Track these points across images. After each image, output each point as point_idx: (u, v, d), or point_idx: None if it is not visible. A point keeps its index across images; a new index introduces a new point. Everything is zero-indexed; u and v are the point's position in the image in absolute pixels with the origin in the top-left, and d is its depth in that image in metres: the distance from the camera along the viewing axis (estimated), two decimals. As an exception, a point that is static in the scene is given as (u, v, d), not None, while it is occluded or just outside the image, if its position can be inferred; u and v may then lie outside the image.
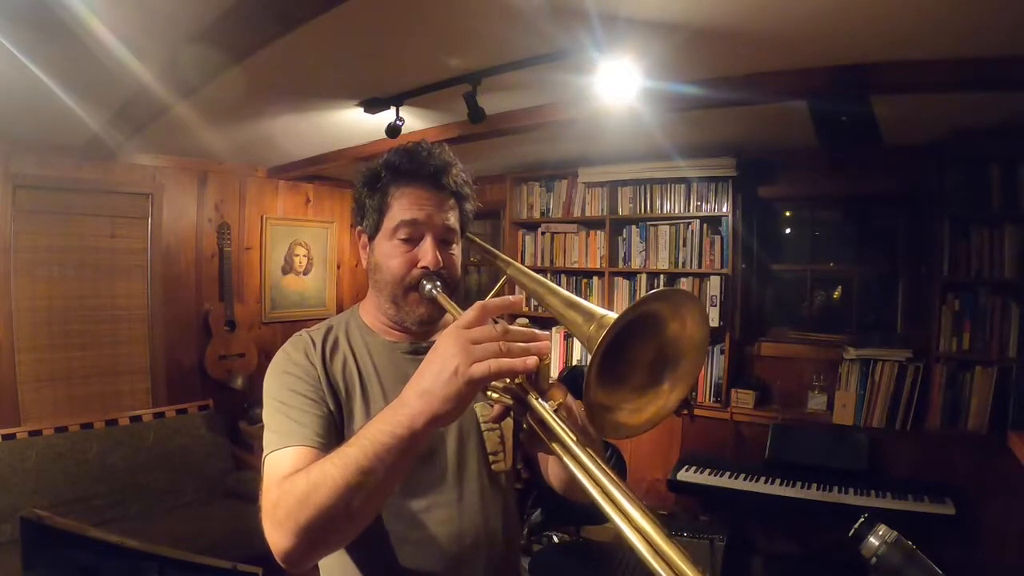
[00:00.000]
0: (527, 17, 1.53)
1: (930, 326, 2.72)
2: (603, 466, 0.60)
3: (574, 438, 0.64)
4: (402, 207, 0.93)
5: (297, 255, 4.16)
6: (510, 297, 0.72)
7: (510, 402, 0.72)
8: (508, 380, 0.70)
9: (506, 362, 0.64)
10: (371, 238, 0.97)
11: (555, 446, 0.66)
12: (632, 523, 0.54)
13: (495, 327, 0.66)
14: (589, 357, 0.61)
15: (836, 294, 3.38)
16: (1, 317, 2.92)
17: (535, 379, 0.69)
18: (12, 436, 2.69)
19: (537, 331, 0.68)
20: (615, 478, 0.59)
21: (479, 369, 0.63)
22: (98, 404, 3.17)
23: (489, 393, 0.73)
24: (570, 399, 0.75)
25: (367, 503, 0.69)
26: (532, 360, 0.64)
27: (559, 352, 3.71)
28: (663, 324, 0.66)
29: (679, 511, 3.00)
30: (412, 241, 0.92)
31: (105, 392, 3.25)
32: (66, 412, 3.04)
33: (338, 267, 4.42)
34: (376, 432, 0.68)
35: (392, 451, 0.66)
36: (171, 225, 3.52)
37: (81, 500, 2.68)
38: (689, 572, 0.48)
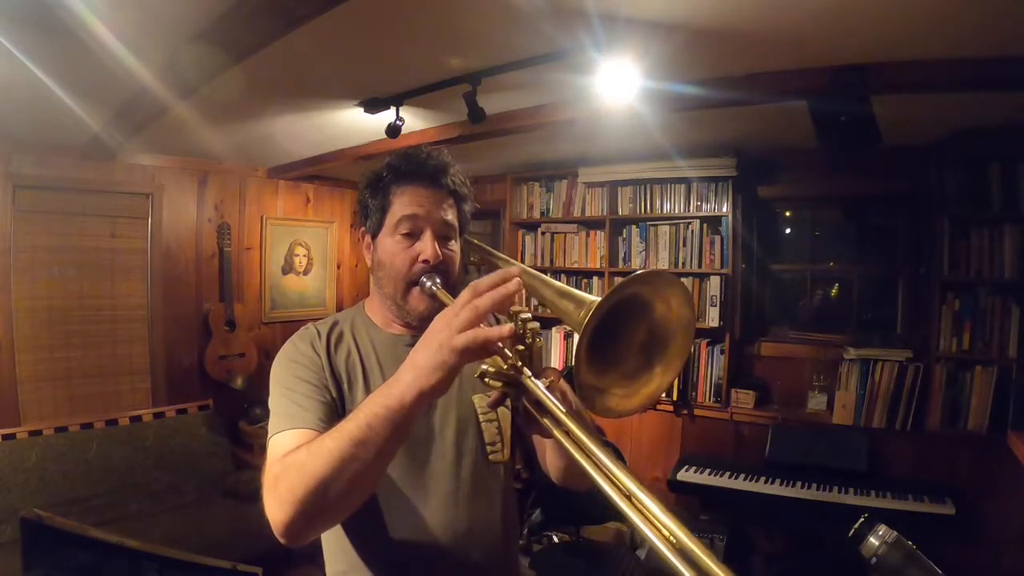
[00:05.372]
0: (527, 17, 1.53)
1: (930, 326, 2.72)
2: (596, 440, 0.62)
3: (564, 410, 0.67)
4: (403, 204, 0.97)
5: (297, 255, 4.16)
6: (498, 273, 0.74)
7: (503, 387, 0.75)
8: (503, 365, 0.74)
9: (484, 329, 0.69)
10: (374, 236, 1.01)
11: (549, 424, 0.68)
12: (627, 495, 0.55)
13: (473, 299, 0.70)
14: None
15: (835, 294, 3.39)
16: (1, 317, 2.92)
17: (529, 360, 0.73)
18: (12, 436, 2.69)
19: (507, 283, 0.71)
20: (608, 451, 0.60)
21: (460, 339, 0.68)
22: (98, 404, 3.17)
23: (487, 380, 0.75)
24: (564, 383, 0.79)
25: (361, 474, 0.72)
26: (507, 327, 0.69)
27: (560, 352, 3.71)
28: (649, 306, 0.69)
29: (679, 511, 2.99)
30: (412, 236, 0.97)
31: (105, 392, 3.25)
32: (66, 412, 3.03)
33: (338, 267, 4.42)
34: (370, 405, 0.72)
35: (384, 422, 0.70)
36: (171, 225, 3.52)
37: (81, 500, 2.68)
38: (687, 540, 0.49)
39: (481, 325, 0.70)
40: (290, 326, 3.87)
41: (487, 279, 0.73)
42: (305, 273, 4.22)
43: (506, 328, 0.69)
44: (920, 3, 1.45)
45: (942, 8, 1.47)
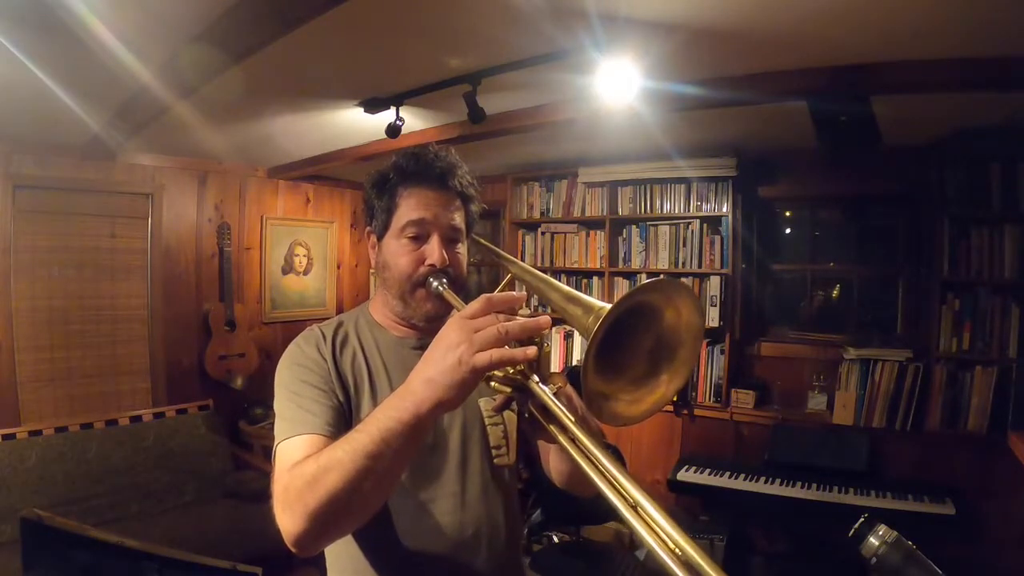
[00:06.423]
0: (527, 17, 1.53)
1: (930, 326, 2.72)
2: (603, 448, 0.61)
3: (572, 419, 0.66)
4: (409, 207, 0.96)
5: (297, 255, 4.15)
6: (514, 292, 0.73)
7: (510, 391, 0.74)
8: (510, 369, 0.73)
9: (507, 351, 0.66)
10: (380, 237, 1.00)
11: (555, 431, 0.68)
12: (633, 504, 0.55)
13: (497, 316, 0.69)
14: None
15: (836, 294, 3.39)
16: (1, 317, 2.92)
17: (536, 366, 0.71)
18: (12, 436, 2.68)
19: (539, 318, 0.70)
20: (614, 459, 0.59)
21: (482, 358, 0.66)
22: (98, 404, 3.17)
23: (493, 384, 0.74)
24: (570, 388, 0.78)
25: (375, 487, 0.71)
26: (532, 350, 0.67)
27: (559, 352, 3.71)
28: (659, 313, 0.68)
29: (679, 511, 3.00)
30: (419, 240, 0.96)
31: (105, 392, 3.25)
32: (66, 412, 3.03)
33: (338, 267, 4.42)
34: (383, 418, 0.70)
35: (398, 436, 0.69)
36: (171, 225, 3.52)
37: (81, 500, 2.67)
38: (693, 553, 0.49)
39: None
40: (290, 326, 3.86)
41: (500, 295, 0.71)
42: (305, 273, 4.21)
43: (531, 351, 0.67)
44: (920, 3, 1.46)
45: (942, 8, 1.47)
